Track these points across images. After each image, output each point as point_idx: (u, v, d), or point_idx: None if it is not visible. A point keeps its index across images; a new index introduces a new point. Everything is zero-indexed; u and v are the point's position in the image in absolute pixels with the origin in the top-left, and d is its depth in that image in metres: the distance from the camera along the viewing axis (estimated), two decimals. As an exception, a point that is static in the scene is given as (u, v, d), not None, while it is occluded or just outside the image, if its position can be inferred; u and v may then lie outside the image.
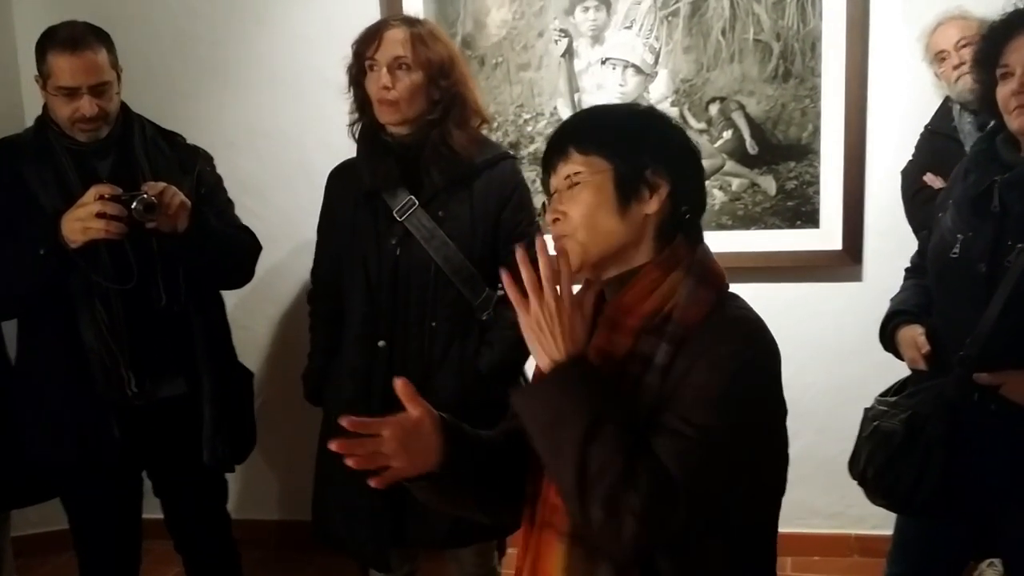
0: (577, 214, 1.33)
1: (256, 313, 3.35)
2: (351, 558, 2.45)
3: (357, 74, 2.22)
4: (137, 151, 2.29)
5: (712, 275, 1.34)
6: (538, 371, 1.31)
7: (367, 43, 2.18)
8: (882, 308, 2.99)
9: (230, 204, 2.49)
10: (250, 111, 3.32)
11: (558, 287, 1.25)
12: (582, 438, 1.19)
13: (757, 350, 1.29)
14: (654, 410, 1.25)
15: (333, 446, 1.28)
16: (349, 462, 1.28)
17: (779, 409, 1.32)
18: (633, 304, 1.31)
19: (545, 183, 1.41)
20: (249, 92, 3.31)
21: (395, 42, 2.15)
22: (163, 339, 2.29)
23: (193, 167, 2.37)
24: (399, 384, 1.33)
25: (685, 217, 1.36)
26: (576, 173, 1.34)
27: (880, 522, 3.17)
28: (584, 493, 1.19)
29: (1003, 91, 1.83)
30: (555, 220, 1.36)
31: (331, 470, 2.32)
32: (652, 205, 1.33)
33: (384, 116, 2.18)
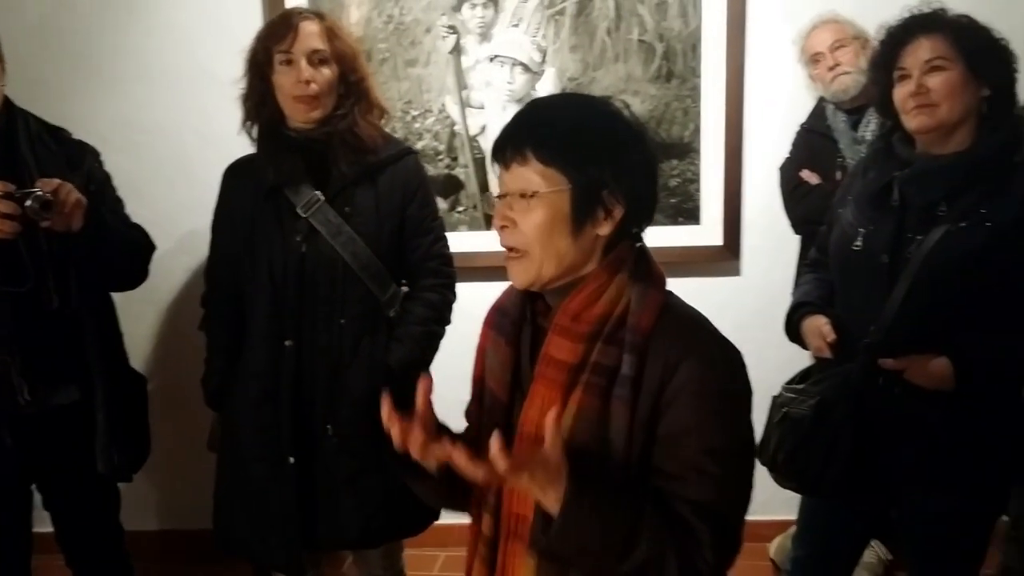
0: (530, 230, 1.29)
1: (134, 316, 3.17)
2: (259, 565, 2.38)
3: (263, 67, 2.15)
4: (23, 147, 2.15)
5: (656, 275, 1.35)
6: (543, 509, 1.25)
7: (280, 36, 2.11)
8: (760, 301, 3.11)
9: (120, 202, 2.38)
10: (124, 105, 3.17)
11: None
12: (623, 554, 1.21)
13: (724, 348, 1.33)
14: (642, 426, 1.27)
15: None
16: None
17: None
18: (581, 310, 1.30)
19: (498, 175, 1.35)
20: (123, 86, 3.17)
21: (312, 35, 2.10)
22: (55, 344, 2.17)
23: (81, 164, 2.25)
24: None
25: (634, 234, 1.34)
26: (533, 187, 1.28)
27: (759, 507, 3.23)
28: None
29: (900, 92, 1.91)
30: (504, 227, 1.33)
31: (235, 476, 2.27)
32: (605, 227, 1.31)
33: (301, 112, 2.13)
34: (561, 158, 1.28)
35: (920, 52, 1.88)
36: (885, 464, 1.95)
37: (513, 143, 1.31)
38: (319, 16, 2.17)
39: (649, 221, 1.38)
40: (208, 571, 3.14)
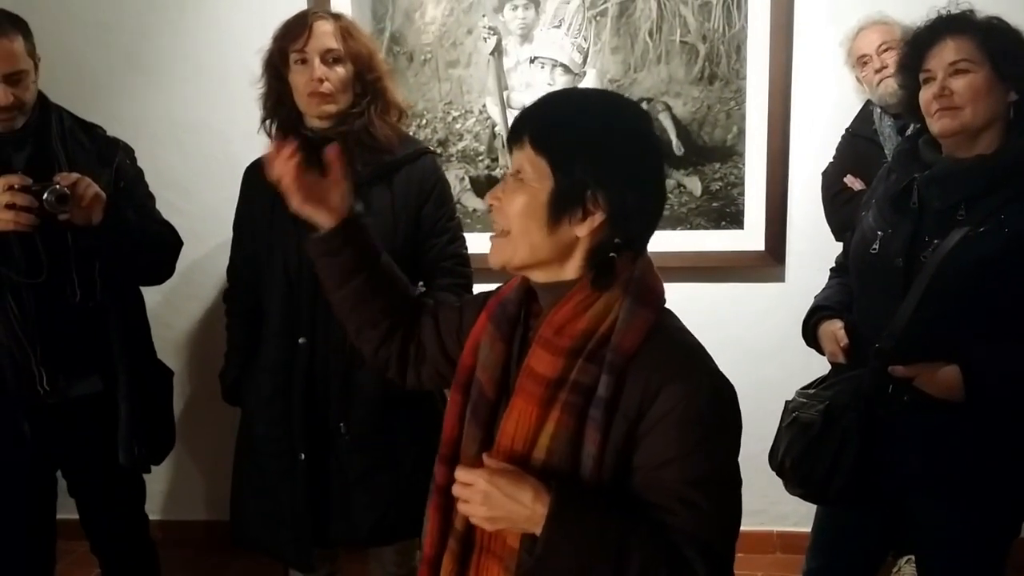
0: (510, 211, 1.30)
1: (179, 310, 3.29)
2: (272, 560, 2.42)
3: (279, 67, 2.18)
4: (54, 142, 2.22)
5: (650, 292, 1.30)
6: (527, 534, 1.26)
7: (295, 36, 2.13)
8: (804, 308, 3.03)
9: (151, 198, 2.43)
10: (174, 103, 3.26)
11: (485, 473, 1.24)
12: (617, 570, 1.19)
13: (714, 378, 1.27)
14: (615, 452, 1.24)
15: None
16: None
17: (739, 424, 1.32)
18: (565, 323, 1.28)
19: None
20: (173, 84, 3.25)
21: (326, 34, 2.12)
22: (77, 335, 2.23)
23: (112, 160, 2.31)
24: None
25: (616, 245, 1.29)
26: (522, 171, 1.29)
27: (801, 519, 3.22)
28: None
29: (925, 95, 1.86)
30: (492, 205, 1.34)
31: (250, 471, 2.30)
32: (583, 229, 1.27)
33: (315, 105, 2.13)
34: (551, 149, 1.27)
35: (945, 54, 1.82)
36: (893, 472, 1.89)
37: (517, 127, 1.31)
38: (334, 16, 2.18)
39: (642, 235, 1.33)
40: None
